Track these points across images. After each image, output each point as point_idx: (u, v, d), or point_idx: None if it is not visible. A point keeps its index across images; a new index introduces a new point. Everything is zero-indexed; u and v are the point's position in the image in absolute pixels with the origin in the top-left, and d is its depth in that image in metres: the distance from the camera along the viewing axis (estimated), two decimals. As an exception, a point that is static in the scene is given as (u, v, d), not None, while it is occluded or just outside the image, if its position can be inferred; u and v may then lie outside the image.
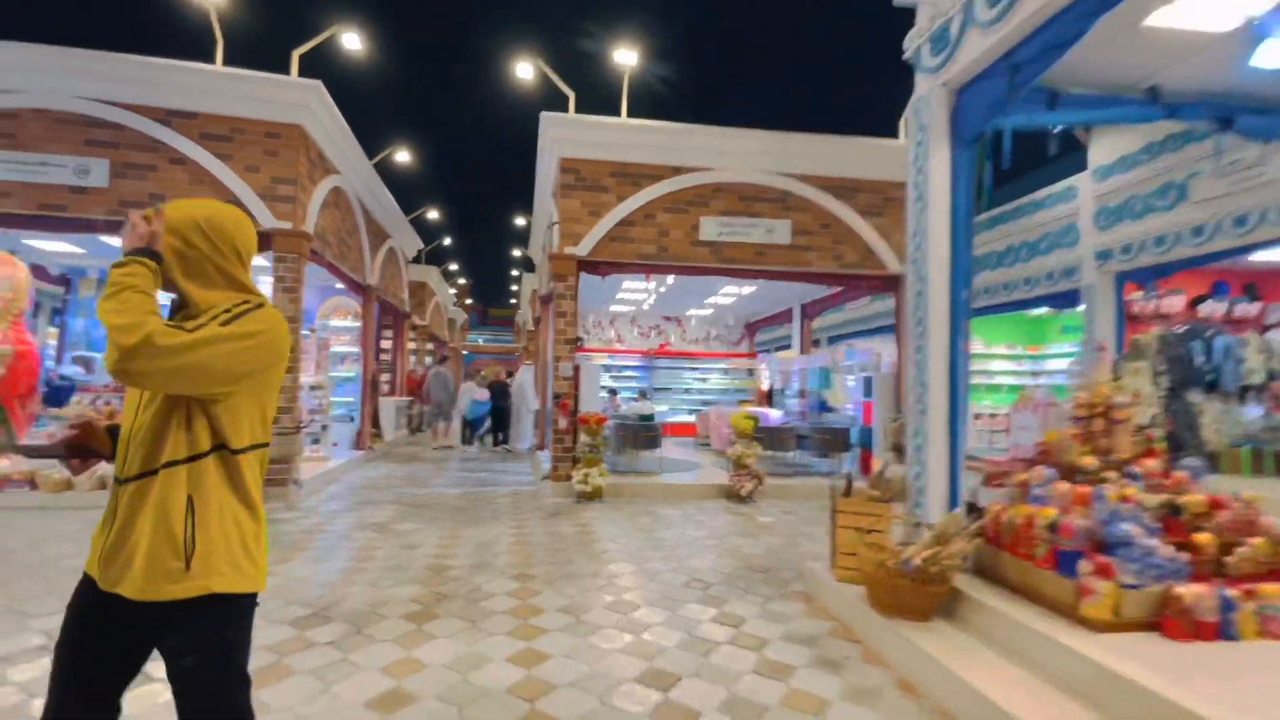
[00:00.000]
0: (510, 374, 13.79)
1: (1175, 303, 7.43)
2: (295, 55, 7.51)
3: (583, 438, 7.78)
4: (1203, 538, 3.01)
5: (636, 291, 12.99)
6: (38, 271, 9.28)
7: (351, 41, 8.42)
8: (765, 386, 14.88)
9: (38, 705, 2.48)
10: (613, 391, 12.72)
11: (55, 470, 6.20)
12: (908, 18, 4.34)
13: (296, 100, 7.25)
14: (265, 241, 7.20)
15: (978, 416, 10.37)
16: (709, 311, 15.62)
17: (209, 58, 7.15)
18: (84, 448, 1.52)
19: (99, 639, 1.39)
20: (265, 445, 1.51)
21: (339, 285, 10.83)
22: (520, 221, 16.89)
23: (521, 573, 4.64)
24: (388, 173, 11.68)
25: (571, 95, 8.41)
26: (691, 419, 14.63)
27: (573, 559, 5.04)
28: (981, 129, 3.81)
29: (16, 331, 6.72)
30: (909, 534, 3.80)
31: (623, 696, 2.86)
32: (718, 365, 16.54)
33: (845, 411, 10.54)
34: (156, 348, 1.22)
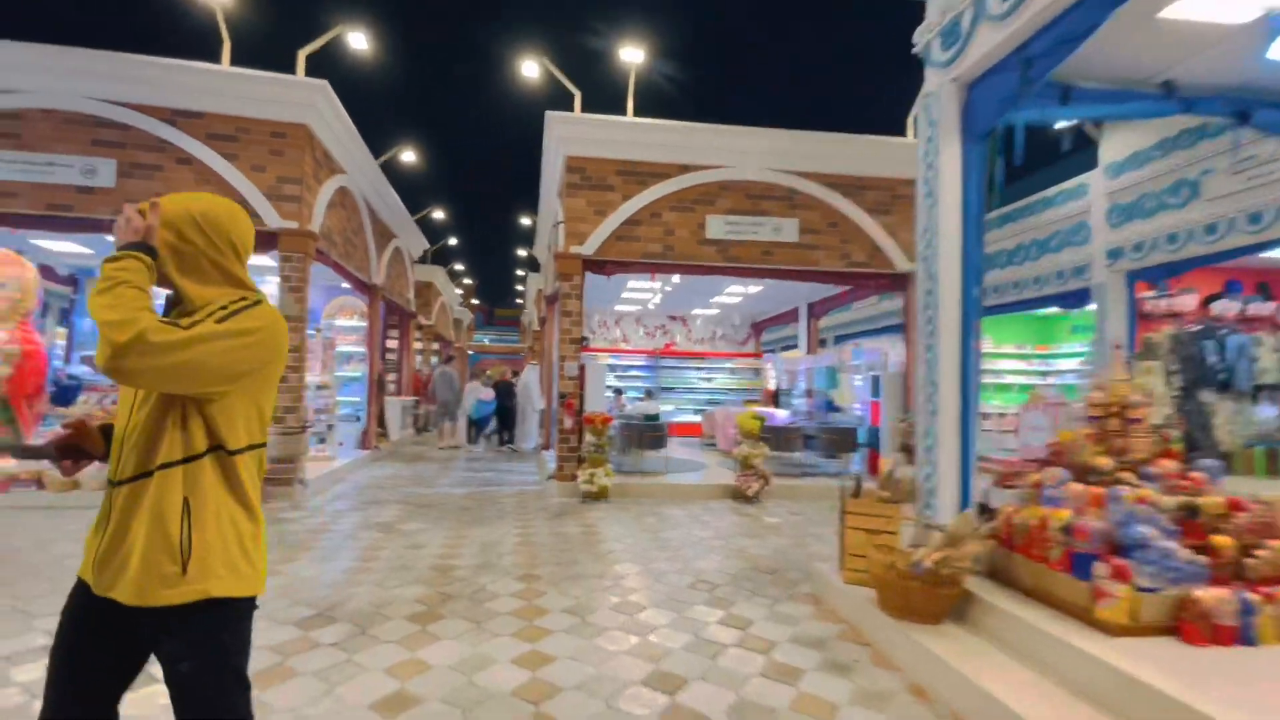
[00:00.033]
0: (516, 374, 13.77)
1: (1188, 301, 7.34)
2: (301, 55, 7.50)
3: (588, 437, 7.75)
4: (1222, 540, 2.95)
5: (642, 291, 12.95)
6: (46, 272, 9.31)
7: (357, 41, 8.41)
8: (771, 386, 14.82)
9: (40, 706, 2.46)
10: (618, 391, 12.69)
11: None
12: (916, 13, 4.29)
13: (302, 100, 7.25)
14: (271, 241, 7.21)
15: (986, 417, 10.28)
16: (715, 311, 15.57)
17: (215, 58, 7.16)
18: (76, 448, 1.48)
19: (94, 645, 1.36)
20: (263, 445, 1.47)
21: (345, 285, 10.83)
22: (526, 221, 16.88)
23: (527, 573, 4.61)
24: (393, 172, 11.66)
25: (577, 94, 8.38)
26: (697, 419, 14.59)
27: (578, 559, 5.00)
28: (993, 124, 3.75)
29: (24, 331, 6.73)
30: (919, 536, 3.75)
31: (629, 700, 2.82)
32: (723, 365, 16.49)
33: (852, 411, 10.47)
34: (149, 345, 1.18)
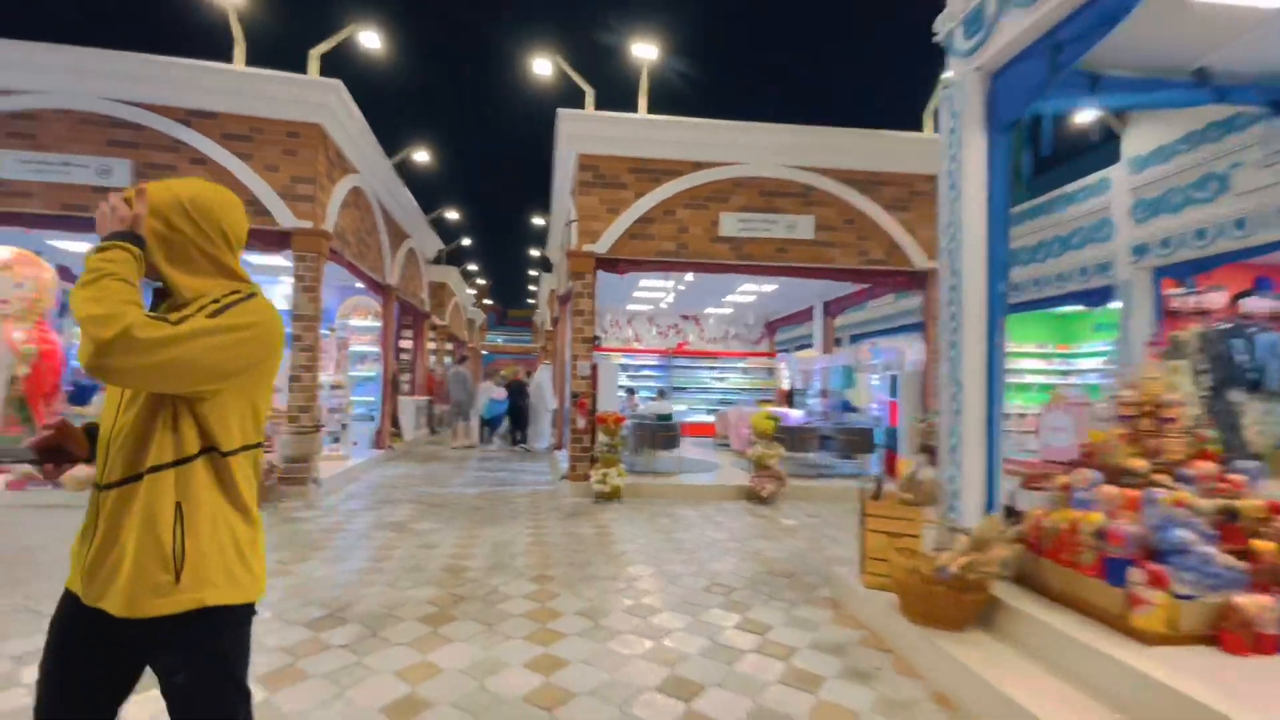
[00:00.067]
0: (529, 373, 13.76)
1: (1216, 299, 7.14)
2: (314, 54, 7.50)
3: (601, 437, 7.68)
4: (1263, 544, 2.82)
5: (655, 290, 12.88)
6: (63, 273, 9.37)
7: (370, 40, 8.39)
8: (785, 386, 14.69)
9: None
10: (631, 391, 12.62)
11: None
12: (934, 4, 4.17)
13: (316, 99, 7.25)
14: (285, 240, 7.22)
15: (1006, 417, 10.08)
16: (728, 310, 15.45)
17: (229, 58, 7.17)
18: (58, 450, 1.39)
19: (85, 658, 1.28)
20: (259, 445, 1.40)
21: (359, 285, 10.85)
22: (539, 222, 16.87)
23: (539, 574, 4.54)
24: (407, 173, 11.68)
25: (590, 92, 8.31)
26: (710, 419, 14.48)
27: (591, 560, 4.94)
28: (1019, 114, 3.64)
29: (41, 331, 6.79)
30: (944, 539, 3.64)
31: (644, 706, 2.74)
32: (737, 365, 16.38)
33: (869, 412, 10.33)
34: (136, 341, 1.10)
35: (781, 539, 5.81)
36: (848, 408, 10.77)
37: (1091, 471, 3.28)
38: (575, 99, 8.43)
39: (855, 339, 16.01)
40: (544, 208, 13.69)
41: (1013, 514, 3.53)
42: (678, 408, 13.60)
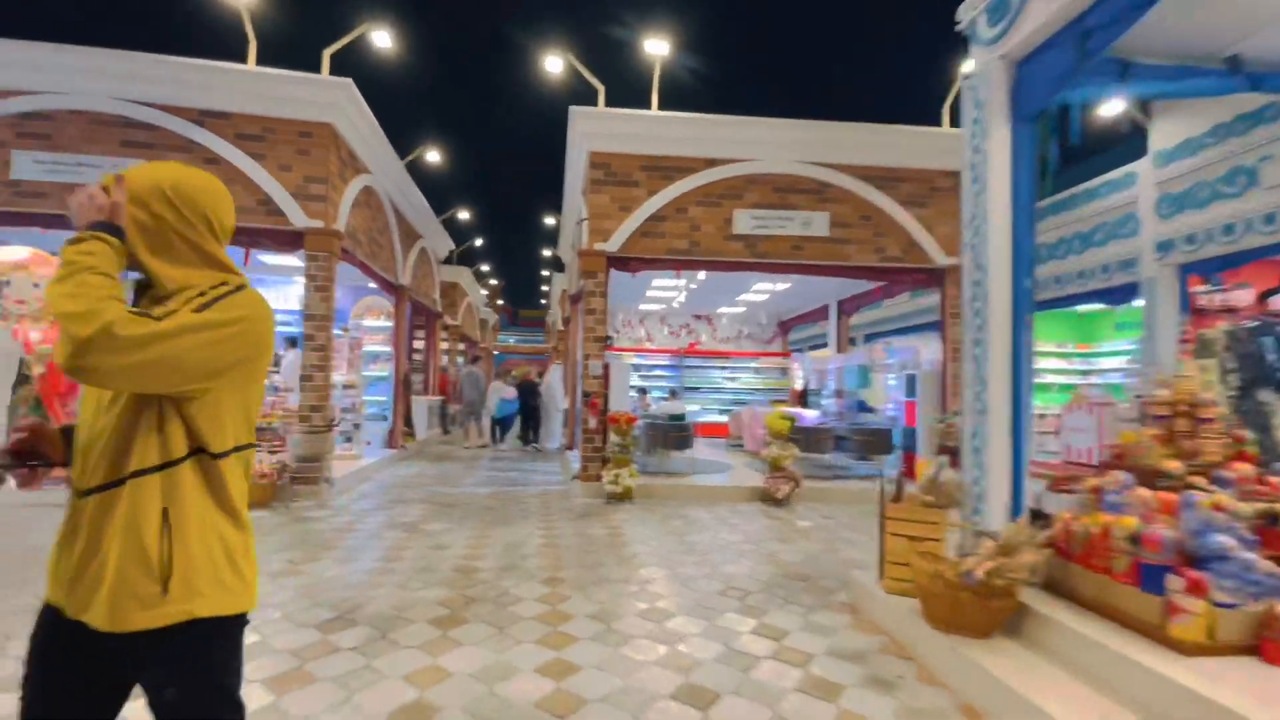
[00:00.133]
0: (541, 373, 13.74)
1: (1243, 296, 6.94)
2: (326, 54, 7.49)
3: (612, 437, 7.61)
4: (1307, 551, 2.69)
5: (667, 289, 12.79)
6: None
7: (382, 40, 8.38)
8: (799, 386, 14.54)
9: None
10: (643, 391, 12.55)
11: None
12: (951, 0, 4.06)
13: (328, 99, 7.24)
14: (297, 240, 7.22)
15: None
16: (741, 309, 15.33)
17: (241, 58, 7.18)
18: (32, 453, 1.30)
19: (69, 675, 1.20)
20: (250, 447, 1.32)
21: (372, 285, 10.86)
22: (550, 221, 16.83)
23: (551, 576, 4.47)
24: (418, 173, 11.67)
25: (601, 89, 8.25)
26: (723, 419, 14.37)
27: (603, 562, 4.86)
28: (1045, 104, 3.52)
29: (56, 331, 6.81)
30: (968, 543, 3.52)
31: (658, 714, 2.66)
32: (749, 364, 16.25)
33: (885, 412, 10.18)
34: (117, 339, 1.02)
35: (796, 541, 5.70)
36: (863, 408, 10.63)
37: (1123, 474, 3.16)
38: (587, 97, 8.38)
39: (869, 338, 15.85)
40: (556, 207, 13.65)
41: (1040, 517, 3.41)
42: (690, 408, 13.51)
